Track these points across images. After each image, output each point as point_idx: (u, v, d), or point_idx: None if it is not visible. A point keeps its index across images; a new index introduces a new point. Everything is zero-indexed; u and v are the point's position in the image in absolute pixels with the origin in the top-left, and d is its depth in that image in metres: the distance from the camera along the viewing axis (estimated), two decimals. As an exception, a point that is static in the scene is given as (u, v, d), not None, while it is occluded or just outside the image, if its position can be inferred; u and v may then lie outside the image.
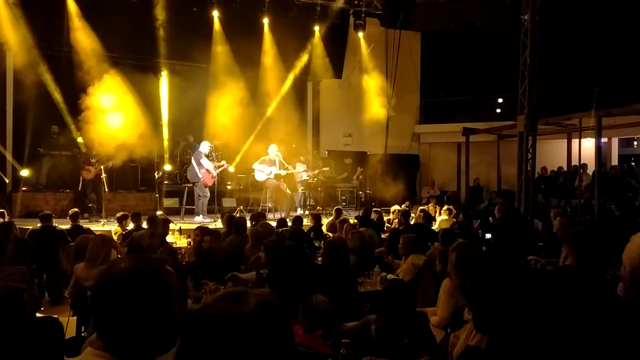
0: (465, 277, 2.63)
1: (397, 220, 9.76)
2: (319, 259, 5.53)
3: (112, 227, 8.75)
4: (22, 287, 3.17)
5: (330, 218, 9.75)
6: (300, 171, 12.34)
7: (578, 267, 2.82)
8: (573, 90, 15.30)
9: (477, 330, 2.29)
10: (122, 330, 1.35)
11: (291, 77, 14.28)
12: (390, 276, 5.20)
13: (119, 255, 4.67)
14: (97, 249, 4.59)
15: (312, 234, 8.08)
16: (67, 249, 6.98)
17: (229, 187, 12.72)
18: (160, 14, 11.82)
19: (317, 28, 14.19)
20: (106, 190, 10.80)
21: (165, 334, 1.35)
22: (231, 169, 12.05)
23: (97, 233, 7.57)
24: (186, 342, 0.99)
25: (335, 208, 10.05)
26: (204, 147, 10.97)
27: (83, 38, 11.43)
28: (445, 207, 10.52)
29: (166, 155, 12.21)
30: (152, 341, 1.36)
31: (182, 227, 8.72)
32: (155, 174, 11.92)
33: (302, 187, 12.45)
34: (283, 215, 11.31)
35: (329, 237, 7.71)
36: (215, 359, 0.93)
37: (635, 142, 19.63)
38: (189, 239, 7.48)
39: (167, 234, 7.35)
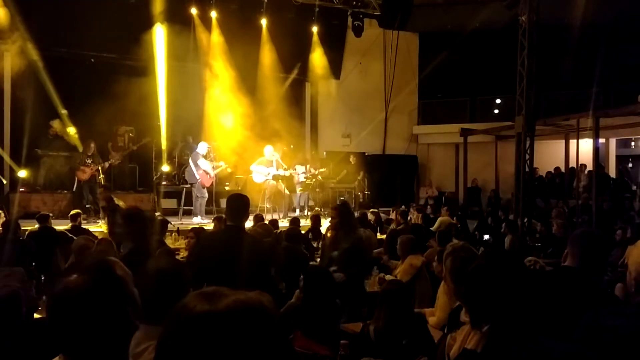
0: (461, 283, 2.62)
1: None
2: (317, 259, 5.53)
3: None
4: (18, 286, 3.17)
5: (329, 219, 9.72)
6: (299, 173, 12.31)
7: (576, 267, 2.82)
8: (571, 91, 15.33)
9: (474, 330, 2.29)
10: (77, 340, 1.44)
11: (289, 77, 14.28)
12: (388, 277, 5.21)
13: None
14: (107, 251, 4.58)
15: (310, 234, 8.08)
16: (65, 250, 6.97)
17: (227, 188, 12.70)
18: (158, 14, 11.80)
19: (315, 29, 14.19)
20: (103, 190, 10.76)
21: (121, 332, 1.45)
22: (229, 169, 12.04)
23: (95, 234, 7.56)
24: (162, 341, 0.98)
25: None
26: (202, 147, 10.95)
27: (81, 39, 11.42)
28: (444, 208, 10.52)
29: (164, 156, 12.19)
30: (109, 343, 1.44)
31: (180, 228, 8.71)
32: (153, 174, 11.89)
33: (300, 188, 12.43)
34: (281, 217, 11.31)
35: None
36: (189, 358, 0.93)
37: (632, 143, 19.66)
38: (186, 240, 7.49)
39: (165, 234, 7.34)
